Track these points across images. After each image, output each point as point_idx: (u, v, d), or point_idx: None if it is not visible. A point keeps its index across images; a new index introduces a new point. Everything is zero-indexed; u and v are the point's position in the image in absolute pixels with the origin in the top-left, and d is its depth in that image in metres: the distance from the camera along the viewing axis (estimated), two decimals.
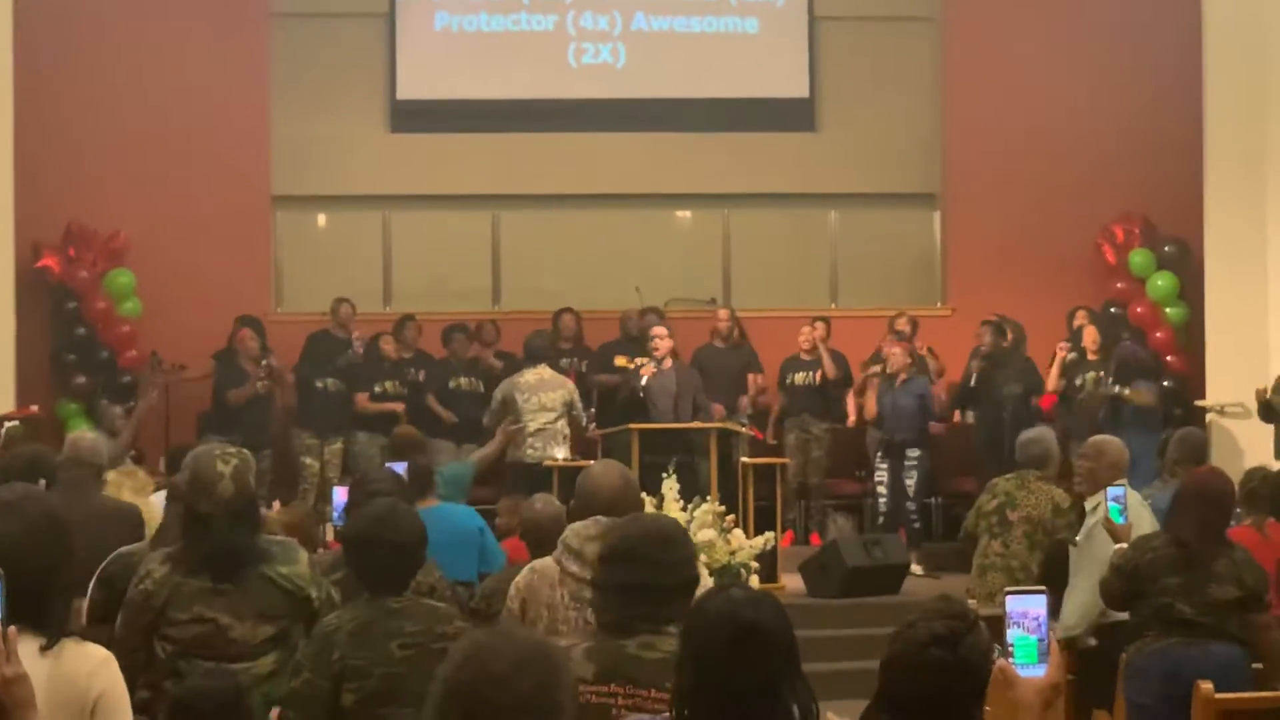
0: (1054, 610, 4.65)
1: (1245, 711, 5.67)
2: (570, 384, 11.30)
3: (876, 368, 12.42)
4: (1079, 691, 6.74)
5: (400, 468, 6.88)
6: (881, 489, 11.98)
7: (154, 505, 7.07)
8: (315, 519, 8.57)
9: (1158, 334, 13.28)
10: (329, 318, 12.75)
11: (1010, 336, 12.48)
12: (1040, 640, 2.94)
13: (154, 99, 13.41)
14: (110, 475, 7.33)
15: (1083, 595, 6.79)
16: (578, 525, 4.48)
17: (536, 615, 4.42)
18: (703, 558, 8.61)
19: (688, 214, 14.86)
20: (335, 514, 6.67)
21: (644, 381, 10.96)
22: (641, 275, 13.41)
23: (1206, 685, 5.63)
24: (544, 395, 10.98)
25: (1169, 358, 13.21)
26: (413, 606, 4.46)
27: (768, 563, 9.72)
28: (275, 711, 4.45)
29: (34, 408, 11.51)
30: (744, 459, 10.57)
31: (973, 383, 12.32)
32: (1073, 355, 12.54)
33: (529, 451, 10.84)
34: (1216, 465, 8.18)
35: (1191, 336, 13.04)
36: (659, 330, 11.37)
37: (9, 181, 11.80)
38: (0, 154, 11.75)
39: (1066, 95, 13.84)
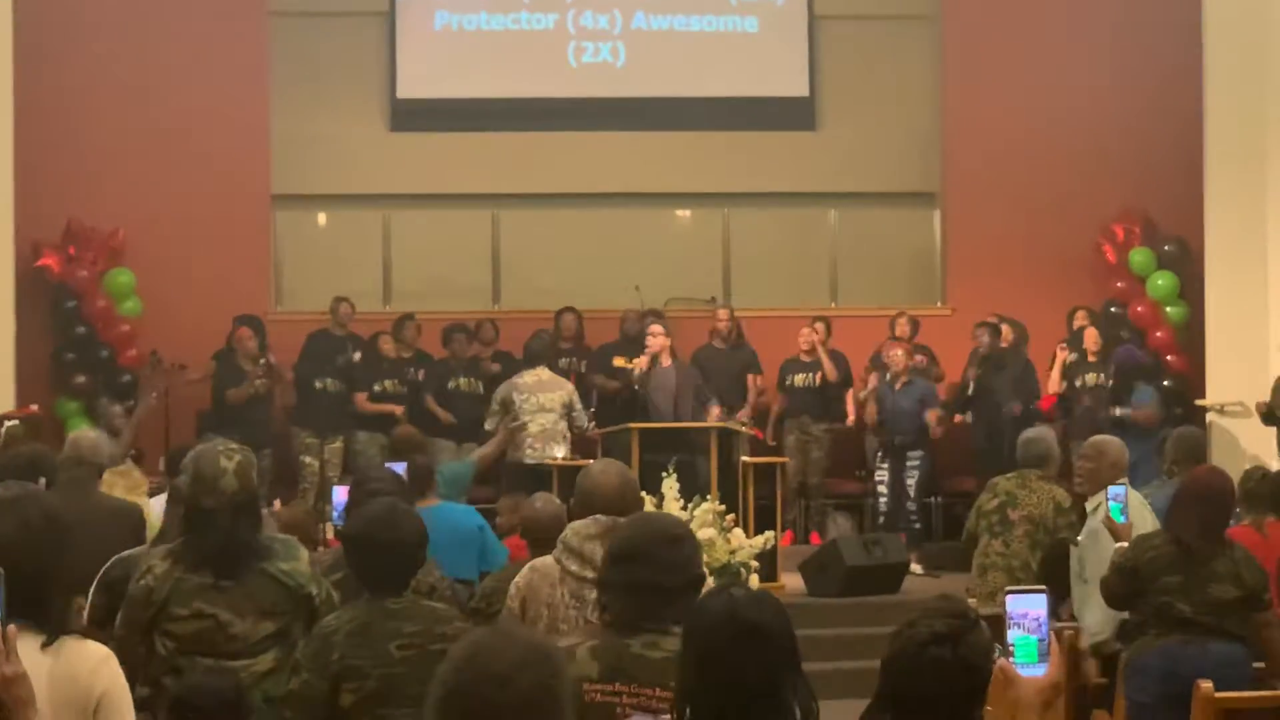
0: (1053, 610, 4.64)
1: (1245, 710, 5.68)
2: (569, 385, 11.30)
3: (874, 378, 12.41)
4: (1081, 691, 6.74)
5: (400, 468, 6.89)
6: (882, 489, 11.98)
7: (151, 507, 7.07)
8: (315, 518, 8.57)
9: (1158, 333, 13.28)
10: (328, 317, 12.76)
11: (1012, 337, 12.48)
12: (1041, 640, 2.94)
13: (154, 98, 13.40)
14: (104, 474, 7.32)
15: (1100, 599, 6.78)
16: (577, 524, 4.48)
17: (536, 614, 4.42)
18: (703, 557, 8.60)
19: (687, 213, 14.86)
20: (335, 513, 6.67)
21: (636, 374, 10.93)
22: (641, 274, 13.41)
23: (1206, 684, 5.64)
24: (543, 396, 10.98)
25: (1169, 357, 13.20)
26: (412, 607, 4.46)
27: (767, 562, 9.72)
28: None
29: (34, 407, 11.51)
30: (744, 458, 10.58)
31: (970, 392, 12.33)
32: (1073, 357, 12.54)
33: (528, 453, 10.85)
34: (1216, 465, 8.18)
35: (1191, 336, 13.04)
36: (655, 328, 11.38)
37: (9, 181, 11.80)
38: (0, 153, 11.75)
39: (1066, 95, 13.83)
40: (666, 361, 11.14)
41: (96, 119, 13.32)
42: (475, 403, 12.14)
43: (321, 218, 14.60)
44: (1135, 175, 13.70)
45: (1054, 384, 12.53)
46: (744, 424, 11.39)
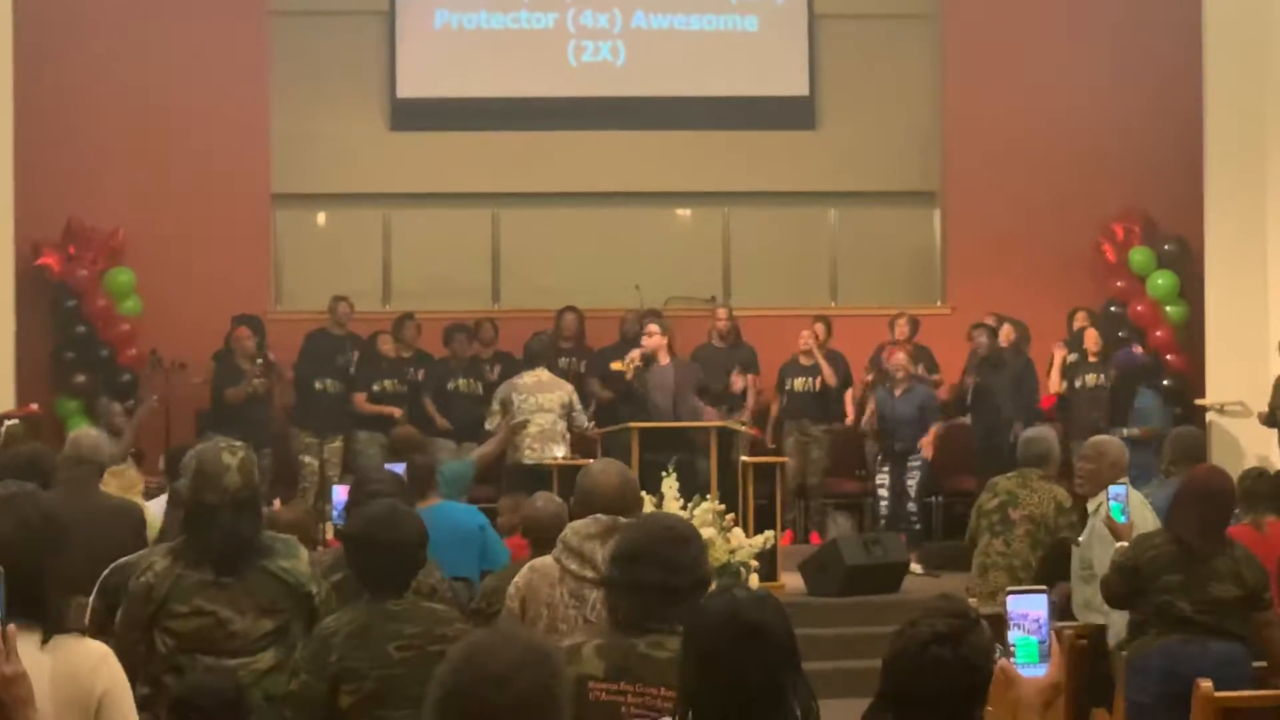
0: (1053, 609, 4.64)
1: (1244, 709, 5.67)
2: (569, 386, 11.30)
3: (871, 406, 12.40)
4: (1079, 689, 6.74)
5: (399, 468, 6.88)
6: (883, 492, 11.98)
7: (148, 508, 7.07)
8: (315, 517, 8.56)
9: (1158, 332, 13.28)
10: (328, 316, 12.76)
11: (1014, 336, 12.47)
12: (1041, 641, 2.94)
13: (154, 97, 13.41)
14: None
15: None
16: (577, 524, 4.48)
17: (536, 614, 4.42)
18: None
19: (687, 212, 14.86)
20: (335, 512, 6.67)
21: (628, 375, 10.91)
22: (641, 273, 13.41)
23: (1206, 683, 5.63)
24: (542, 396, 10.98)
25: (1169, 356, 13.20)
26: (413, 609, 4.46)
27: (767, 561, 9.72)
28: None
29: (34, 406, 11.50)
30: (744, 458, 10.58)
31: (969, 400, 12.34)
32: (1073, 357, 12.54)
33: (526, 453, 10.84)
34: (1216, 464, 8.18)
35: (1191, 335, 13.04)
36: (651, 328, 11.38)
37: (9, 180, 11.80)
38: (0, 152, 11.75)
39: (1066, 94, 13.84)
40: (665, 360, 11.13)
41: (96, 118, 13.32)
42: (475, 403, 12.13)
43: (321, 217, 14.60)
44: (1135, 175, 13.70)
45: (1054, 384, 12.53)
46: (743, 423, 11.39)
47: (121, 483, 7.58)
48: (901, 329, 12.69)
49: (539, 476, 10.20)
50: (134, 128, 13.36)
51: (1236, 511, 6.74)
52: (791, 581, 10.27)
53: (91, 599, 5.25)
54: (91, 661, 3.21)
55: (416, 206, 14.32)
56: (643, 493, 6.88)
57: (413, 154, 14.07)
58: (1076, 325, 12.83)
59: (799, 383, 12.61)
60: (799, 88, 14.41)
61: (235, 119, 13.54)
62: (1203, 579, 6.04)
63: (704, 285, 14.15)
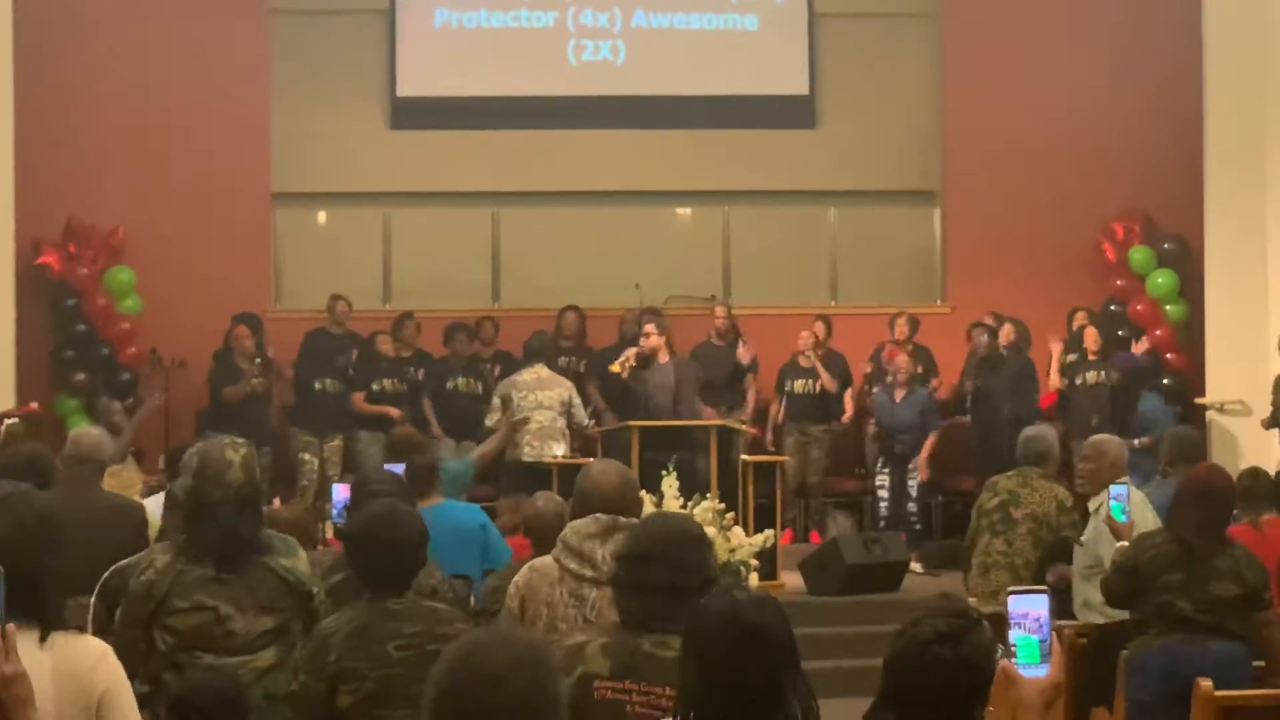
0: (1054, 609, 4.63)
1: (1244, 709, 5.68)
2: (568, 383, 11.30)
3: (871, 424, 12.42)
4: (1079, 689, 6.74)
5: (399, 469, 6.88)
6: (883, 491, 11.99)
7: (146, 506, 7.06)
8: (314, 516, 8.57)
9: (1158, 331, 13.27)
10: (326, 315, 12.76)
11: (1014, 335, 12.47)
12: (1042, 641, 2.94)
13: (154, 96, 13.40)
14: None
15: None
16: (577, 523, 4.48)
17: (536, 613, 4.42)
18: None
19: (687, 211, 14.86)
20: (335, 511, 6.67)
21: (625, 374, 10.91)
22: (641, 272, 13.40)
23: (1206, 683, 5.64)
24: (541, 394, 10.98)
25: (1169, 355, 13.20)
26: (413, 608, 4.46)
27: (767, 560, 9.72)
28: None
29: (34, 405, 11.51)
30: (743, 457, 10.57)
31: (968, 404, 12.33)
32: (1073, 356, 12.54)
33: (526, 450, 10.84)
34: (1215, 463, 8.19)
35: (1191, 334, 13.04)
36: (649, 328, 11.37)
37: (9, 178, 11.81)
38: (0, 151, 11.75)
39: (1066, 93, 13.84)
40: (665, 358, 11.12)
41: (97, 117, 13.32)
42: (474, 402, 12.13)
43: (321, 216, 14.60)
44: (1135, 175, 13.70)
45: (1053, 380, 12.52)
46: (743, 422, 11.39)
47: (119, 482, 7.60)
48: (901, 328, 12.69)
49: (538, 474, 10.20)
50: (134, 127, 13.36)
51: (1235, 511, 6.74)
52: (791, 580, 10.27)
53: (92, 600, 5.25)
54: (91, 659, 3.21)
55: (416, 205, 14.32)
56: (643, 492, 6.87)
57: (413, 153, 14.07)
58: (1076, 324, 12.82)
59: (799, 385, 12.62)
60: (799, 87, 14.41)
61: (235, 118, 13.53)
62: (1203, 578, 6.04)
63: (704, 284, 14.14)
